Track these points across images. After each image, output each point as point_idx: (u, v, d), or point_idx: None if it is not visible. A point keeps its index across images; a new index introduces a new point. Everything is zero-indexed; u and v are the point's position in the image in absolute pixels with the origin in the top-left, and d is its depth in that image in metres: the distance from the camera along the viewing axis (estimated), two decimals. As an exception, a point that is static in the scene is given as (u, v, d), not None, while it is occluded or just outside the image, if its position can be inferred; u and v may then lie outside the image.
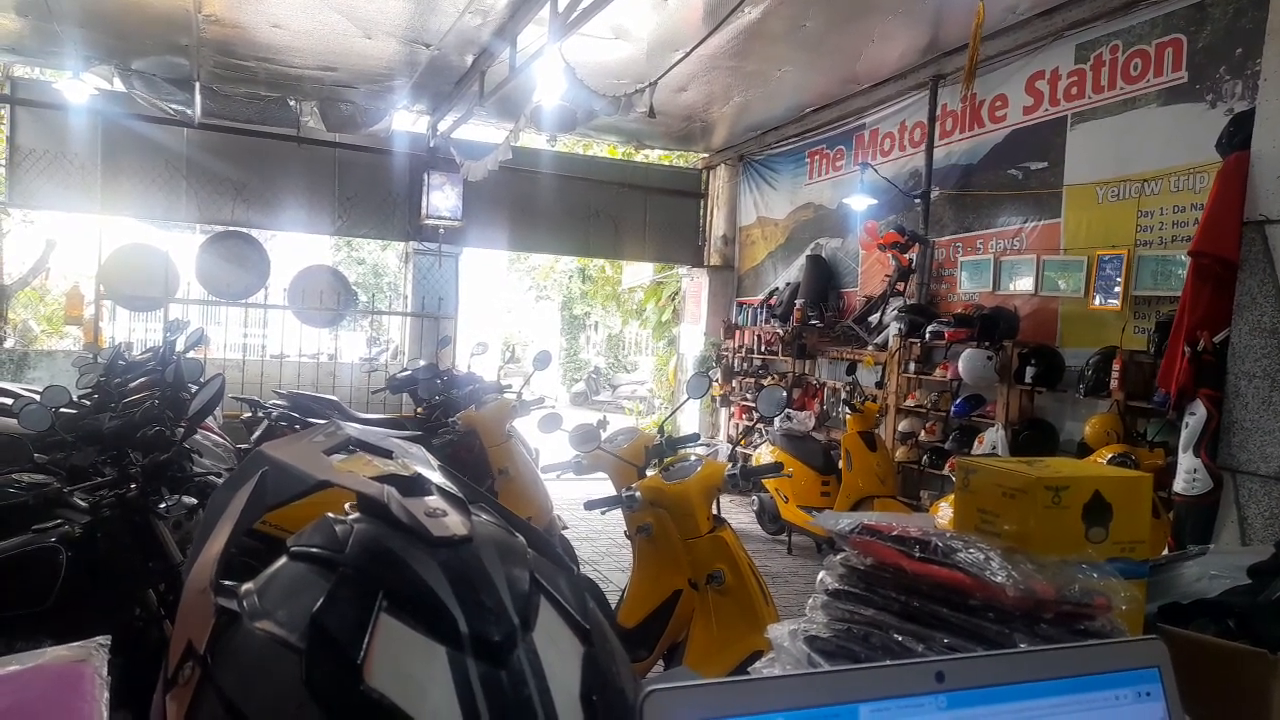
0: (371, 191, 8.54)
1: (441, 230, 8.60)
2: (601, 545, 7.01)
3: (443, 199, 8.34)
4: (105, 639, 0.82)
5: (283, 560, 0.71)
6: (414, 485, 0.76)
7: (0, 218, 7.95)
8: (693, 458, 3.64)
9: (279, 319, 8.52)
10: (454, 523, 0.70)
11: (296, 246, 12.02)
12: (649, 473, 3.81)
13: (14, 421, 3.63)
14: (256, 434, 5.77)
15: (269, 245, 8.87)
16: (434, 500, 0.73)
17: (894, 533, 1.09)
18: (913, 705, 0.62)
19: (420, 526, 0.68)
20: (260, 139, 8.12)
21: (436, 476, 0.87)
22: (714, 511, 3.61)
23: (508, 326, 16.98)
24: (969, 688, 0.64)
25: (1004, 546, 1.05)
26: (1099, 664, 0.68)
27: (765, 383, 8.81)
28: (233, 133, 8.00)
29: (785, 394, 3.89)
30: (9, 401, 4.65)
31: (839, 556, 1.17)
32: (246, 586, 0.68)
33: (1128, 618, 1.11)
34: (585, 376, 15.68)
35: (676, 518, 3.54)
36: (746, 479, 3.50)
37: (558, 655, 0.65)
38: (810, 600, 1.20)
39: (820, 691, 0.60)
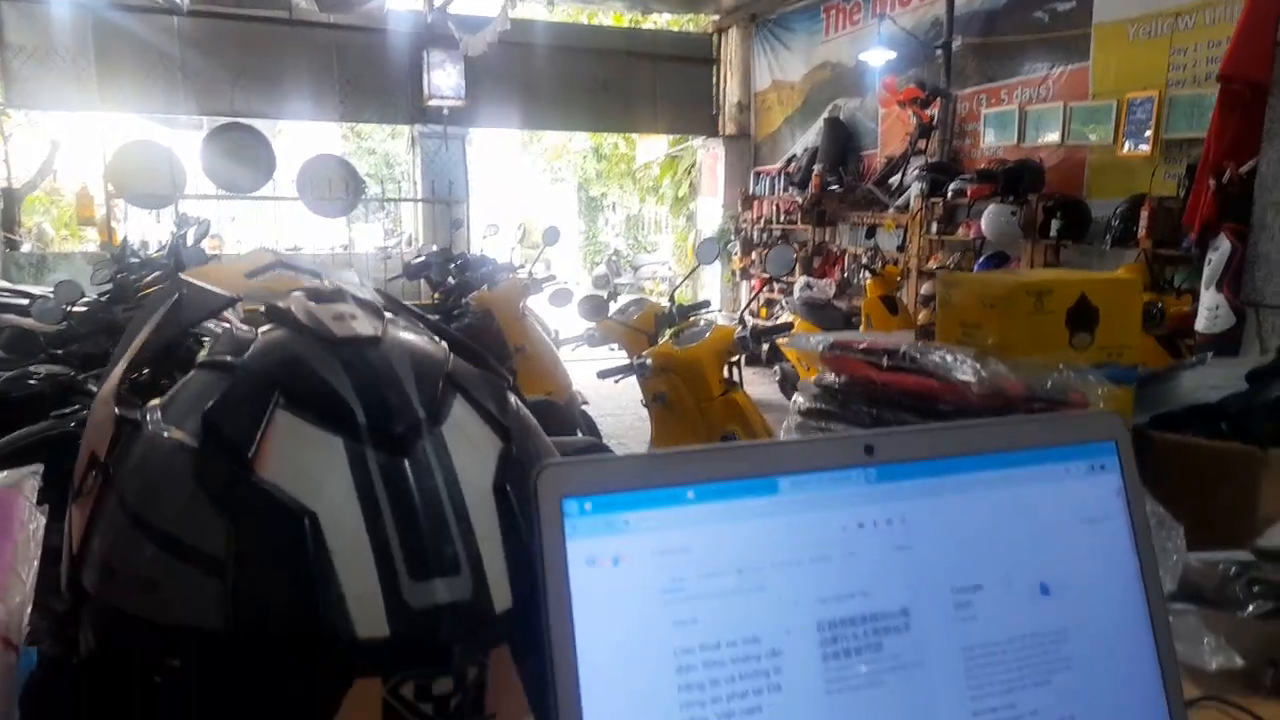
0: (372, 74, 8.29)
1: (446, 111, 8.37)
2: (626, 420, 7.08)
3: (444, 78, 8.08)
4: (37, 467, 0.80)
5: (190, 373, 0.67)
6: (328, 295, 0.71)
7: (1, 120, 7.85)
8: (702, 323, 3.60)
9: (293, 212, 8.45)
10: (361, 324, 0.65)
11: (305, 140, 11.83)
12: (661, 340, 3.79)
13: (30, 320, 3.66)
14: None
15: (276, 140, 8.72)
16: (345, 306, 0.68)
17: (863, 346, 1.04)
18: (837, 478, 0.58)
19: (324, 328, 0.64)
20: (253, 24, 7.86)
21: (365, 292, 0.82)
22: (726, 375, 3.60)
23: (524, 210, 16.76)
24: (900, 460, 0.59)
25: (987, 353, 1.00)
26: (1047, 437, 0.63)
27: (783, 251, 8.65)
28: (224, 18, 7.74)
29: (794, 252, 3.80)
30: (25, 301, 4.69)
31: (813, 378, 1.13)
32: (153, 401, 0.65)
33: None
34: (605, 259, 15.54)
35: (689, 382, 3.53)
36: (756, 340, 3.47)
37: (470, 449, 0.61)
38: (784, 423, 1.16)
39: (733, 463, 0.55)
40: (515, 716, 0.59)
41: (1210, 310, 3.38)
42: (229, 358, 0.66)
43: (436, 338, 0.75)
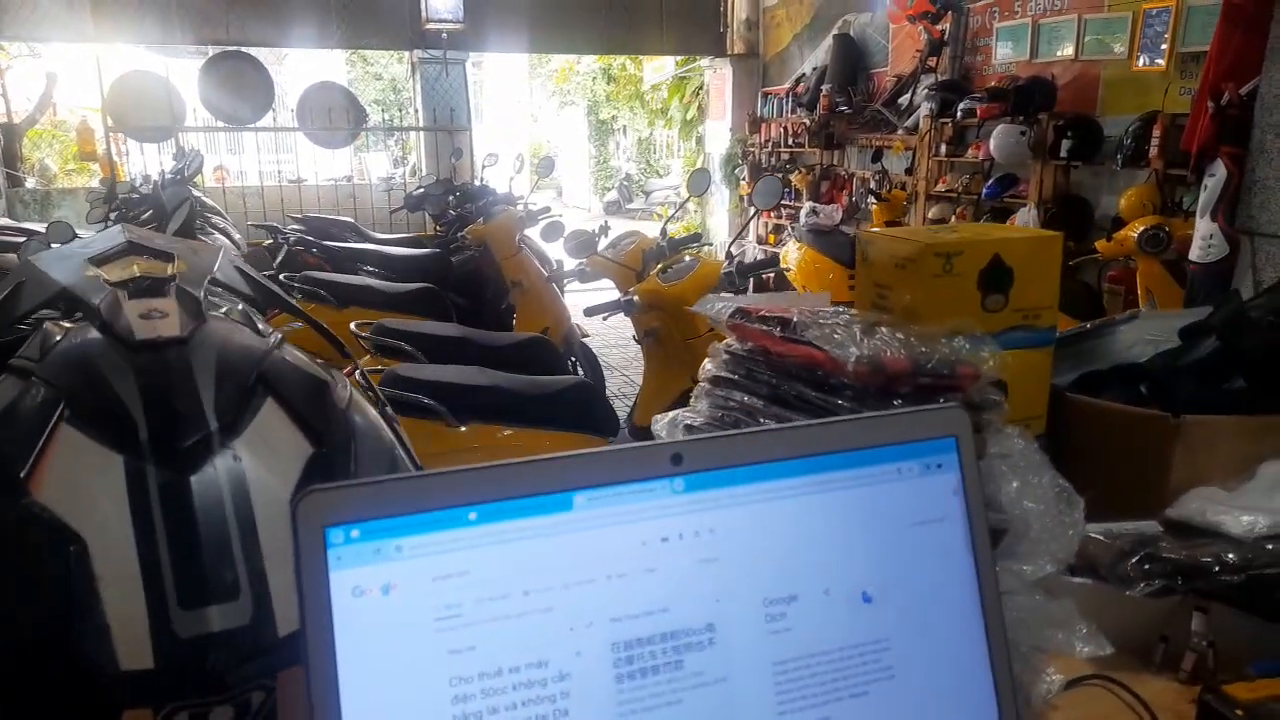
0: (369, -3, 8.08)
1: (444, 35, 8.16)
2: (631, 351, 7.07)
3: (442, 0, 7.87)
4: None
5: (1, 375, 0.65)
6: (153, 287, 0.68)
7: (-2, 54, 7.76)
8: (688, 258, 3.55)
9: (296, 143, 8.34)
10: (168, 324, 0.63)
11: (309, 67, 11.62)
12: (649, 276, 3.74)
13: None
14: (279, 260, 5.78)
15: (279, 67, 8.56)
16: (161, 301, 0.65)
17: (762, 313, 1.00)
18: (640, 490, 0.55)
19: (125, 329, 0.61)
20: (246, -52, 7.66)
21: (229, 274, 0.79)
22: (712, 310, 3.56)
23: (534, 136, 16.49)
24: (710, 469, 0.56)
25: (884, 321, 0.96)
26: (880, 436, 0.60)
27: (792, 178, 8.49)
28: (216, -57, 7.54)
29: (781, 184, 3.71)
30: (22, 240, 4.70)
31: (723, 344, 1.10)
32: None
33: (1022, 388, 1.02)
34: (617, 184, 15.28)
35: (675, 318, 3.50)
36: (742, 276, 3.42)
37: (271, 458, 0.59)
38: (694, 390, 1.14)
39: (522, 481, 0.53)
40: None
41: (1205, 239, 3.27)
42: (30, 361, 0.63)
43: (270, 331, 0.72)
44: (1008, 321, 1.04)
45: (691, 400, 1.12)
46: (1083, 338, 1.23)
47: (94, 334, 0.65)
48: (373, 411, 0.74)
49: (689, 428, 1.06)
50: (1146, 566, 0.87)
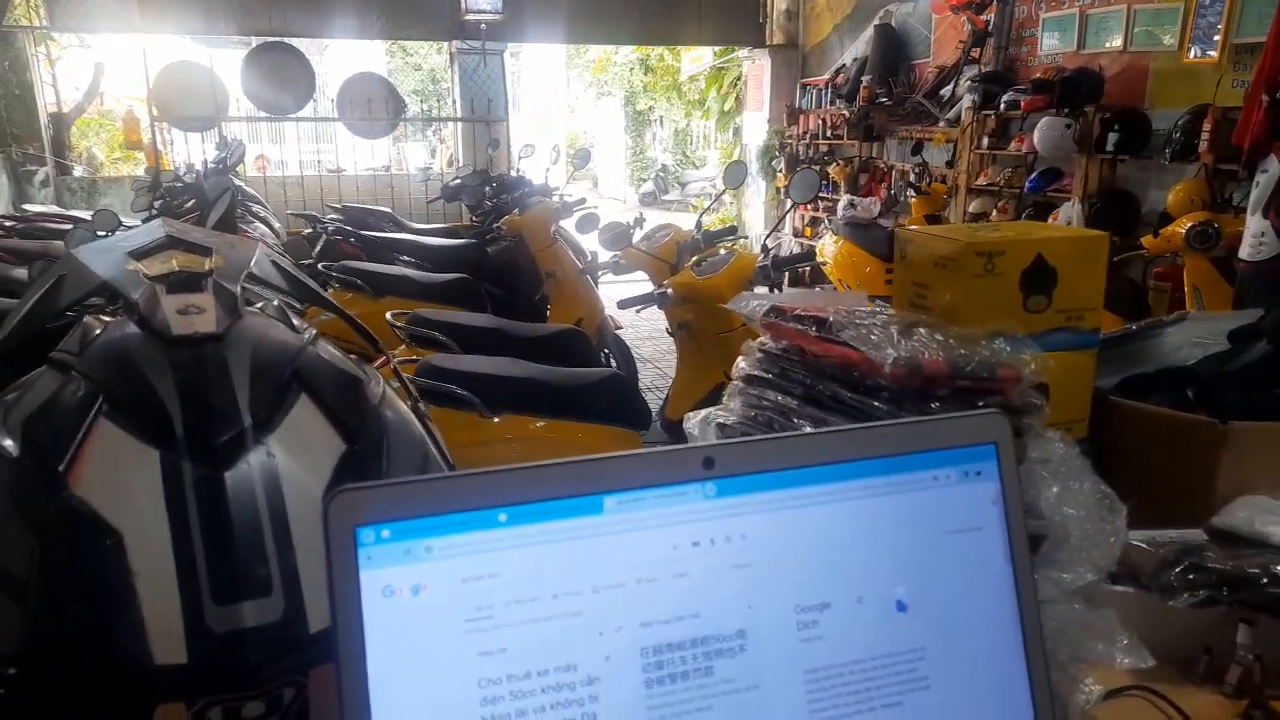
0: (408, -12, 8.12)
1: (483, 25, 8.18)
2: (664, 344, 7.05)
3: (481, -10, 7.88)
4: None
5: (39, 370, 0.66)
6: (190, 281, 0.69)
7: (49, 44, 7.91)
8: (723, 251, 3.53)
9: (336, 133, 8.41)
10: (205, 319, 0.63)
11: (349, 58, 11.72)
12: (683, 269, 3.73)
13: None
14: (317, 249, 5.85)
15: (321, 57, 8.64)
16: (200, 297, 0.66)
17: (797, 311, 0.99)
18: (672, 494, 0.55)
19: (162, 324, 0.62)
20: (289, -60, 7.74)
21: (266, 269, 0.80)
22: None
23: (571, 126, 16.50)
24: (743, 473, 0.56)
25: (922, 321, 0.94)
26: (917, 443, 0.59)
27: (830, 171, 8.41)
28: (260, -65, 7.63)
29: (818, 177, 3.67)
30: (70, 227, 4.80)
31: (757, 341, 1.09)
32: (3, 397, 0.64)
33: (1065, 391, 1.00)
34: (653, 175, 15.24)
35: (709, 312, 3.48)
36: (778, 270, 3.39)
37: (304, 455, 0.59)
38: (727, 387, 1.13)
39: (552, 483, 0.53)
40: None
41: (1256, 237, 3.19)
42: (71, 355, 0.64)
43: (304, 326, 0.73)
44: (1050, 323, 1.02)
45: (724, 398, 1.11)
46: (1128, 339, 1.20)
47: (132, 329, 0.65)
48: (405, 408, 0.74)
49: (721, 426, 1.05)
50: (1191, 576, 0.84)
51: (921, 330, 0.90)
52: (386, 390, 0.73)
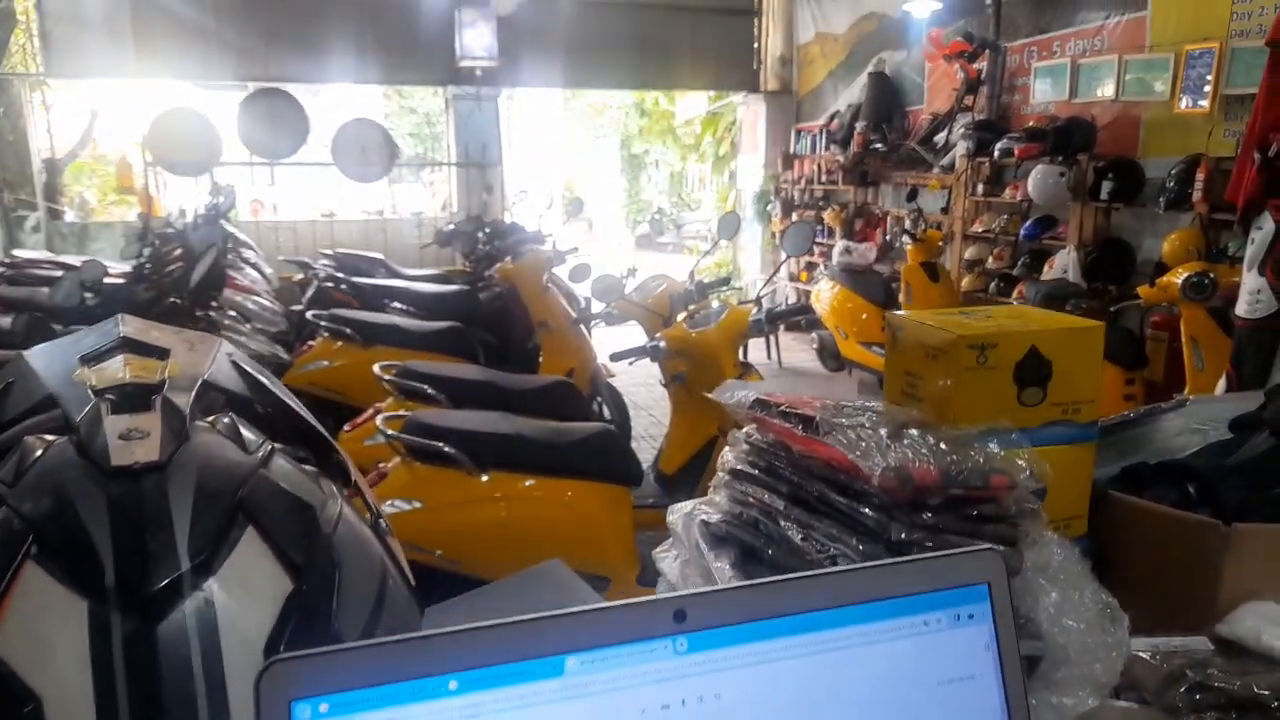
0: (406, 35, 8.18)
1: (478, 72, 8.25)
2: (657, 392, 7.00)
3: (476, 38, 7.94)
4: None
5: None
6: (138, 397, 0.65)
7: (43, 90, 7.95)
8: (716, 304, 3.50)
9: (329, 177, 8.44)
10: (148, 446, 0.59)
11: (345, 102, 11.81)
12: (676, 321, 3.71)
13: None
14: (308, 295, 5.83)
15: (316, 100, 8.70)
16: (145, 418, 0.62)
17: (783, 407, 0.96)
18: (639, 652, 0.50)
19: (101, 451, 0.58)
20: (285, -15, 7.83)
21: (215, 376, 0.76)
22: (740, 358, 3.51)
23: (566, 169, 16.58)
24: (717, 626, 0.52)
25: (912, 420, 0.91)
26: (902, 586, 0.55)
27: (826, 216, 8.45)
28: (256, -19, 7.71)
29: (813, 229, 3.66)
30: (60, 274, 4.77)
31: (743, 431, 1.05)
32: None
33: (1062, 486, 0.96)
34: (649, 218, 15.29)
35: (703, 366, 3.45)
36: (772, 323, 3.36)
37: (247, 599, 0.55)
38: (714, 479, 1.09)
39: (507, 645, 0.48)
40: None
41: (1252, 294, 3.17)
42: (4, 485, 0.60)
43: (258, 442, 0.69)
44: (1046, 416, 0.98)
45: (710, 489, 1.07)
46: (1126, 426, 1.16)
47: (71, 454, 0.61)
48: (363, 529, 0.70)
49: (706, 524, 1.01)
50: (1197, 696, 0.80)
51: (912, 432, 0.87)
52: (344, 509, 0.69)
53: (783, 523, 0.90)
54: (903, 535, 0.80)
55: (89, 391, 0.68)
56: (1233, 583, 0.91)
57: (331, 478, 0.75)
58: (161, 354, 0.79)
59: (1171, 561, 0.95)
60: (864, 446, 0.82)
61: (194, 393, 0.70)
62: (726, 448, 1.07)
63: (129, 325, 0.85)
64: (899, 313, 1.08)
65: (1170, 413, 1.19)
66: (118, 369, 0.74)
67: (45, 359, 0.78)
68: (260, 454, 0.67)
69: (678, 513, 1.06)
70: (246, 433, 0.69)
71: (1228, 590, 0.90)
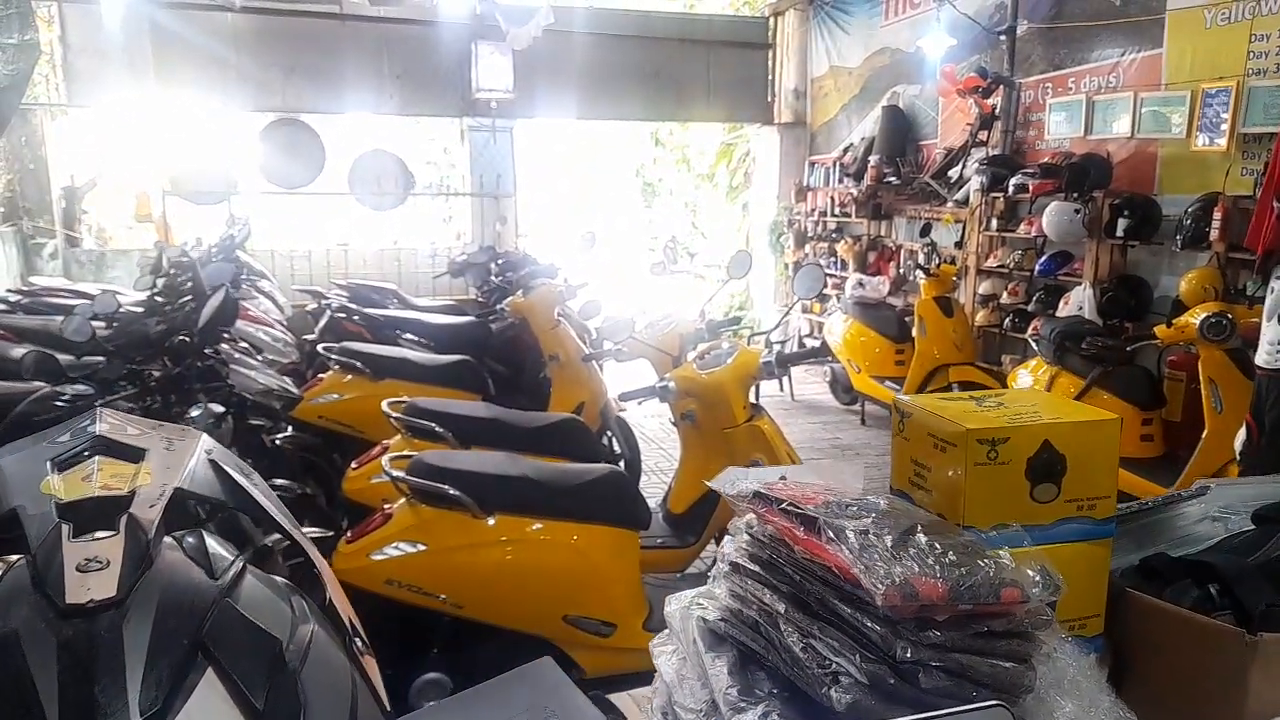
0: (422, 68, 8.26)
1: (494, 104, 8.30)
2: (668, 426, 6.97)
3: (492, 71, 7.99)
4: None
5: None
6: (101, 515, 0.62)
7: (62, 118, 8.05)
8: (726, 345, 3.47)
9: (346, 206, 8.49)
10: (105, 581, 0.56)
11: (362, 129, 11.92)
12: (689, 359, 3.67)
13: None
14: (320, 325, 5.83)
15: (333, 132, 8.77)
16: (107, 544, 0.59)
17: (784, 504, 0.92)
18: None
19: (56, 586, 0.54)
20: (304, 19, 7.90)
21: (191, 484, 0.73)
22: (751, 399, 3.47)
23: (580, 197, 16.64)
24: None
25: (919, 523, 0.87)
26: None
27: (839, 248, 8.42)
28: (275, 15, 7.79)
29: (823, 271, 3.63)
30: (77, 303, 4.78)
31: (744, 521, 1.02)
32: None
33: (1078, 584, 0.92)
34: (662, 246, 15.24)
35: (712, 408, 3.41)
36: (782, 366, 3.33)
37: (202, 752, 0.51)
38: (713, 569, 1.06)
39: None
40: None
41: (1272, 344, 3.11)
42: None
43: (229, 558, 0.65)
44: (1060, 513, 0.94)
45: (709, 579, 1.03)
46: (1144, 514, 1.11)
47: (26, 582, 0.58)
48: (335, 656, 0.66)
49: (704, 620, 0.98)
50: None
51: (919, 539, 0.83)
52: (315, 634, 0.65)
53: (783, 626, 0.86)
54: (908, 654, 0.76)
55: (53, 508, 0.65)
56: (1258, 694, 0.86)
57: (308, 590, 0.71)
58: (136, 456, 0.76)
59: (1193, 666, 0.90)
60: (868, 558, 0.78)
61: (164, 504, 0.67)
62: (727, 537, 1.03)
63: (105, 422, 0.82)
64: (906, 397, 1.04)
65: (1189, 501, 1.13)
66: (88, 477, 0.71)
67: (16, 463, 0.75)
68: (227, 578, 0.63)
69: (675, 604, 1.03)
70: (216, 548, 0.66)
71: (1254, 704, 0.85)
